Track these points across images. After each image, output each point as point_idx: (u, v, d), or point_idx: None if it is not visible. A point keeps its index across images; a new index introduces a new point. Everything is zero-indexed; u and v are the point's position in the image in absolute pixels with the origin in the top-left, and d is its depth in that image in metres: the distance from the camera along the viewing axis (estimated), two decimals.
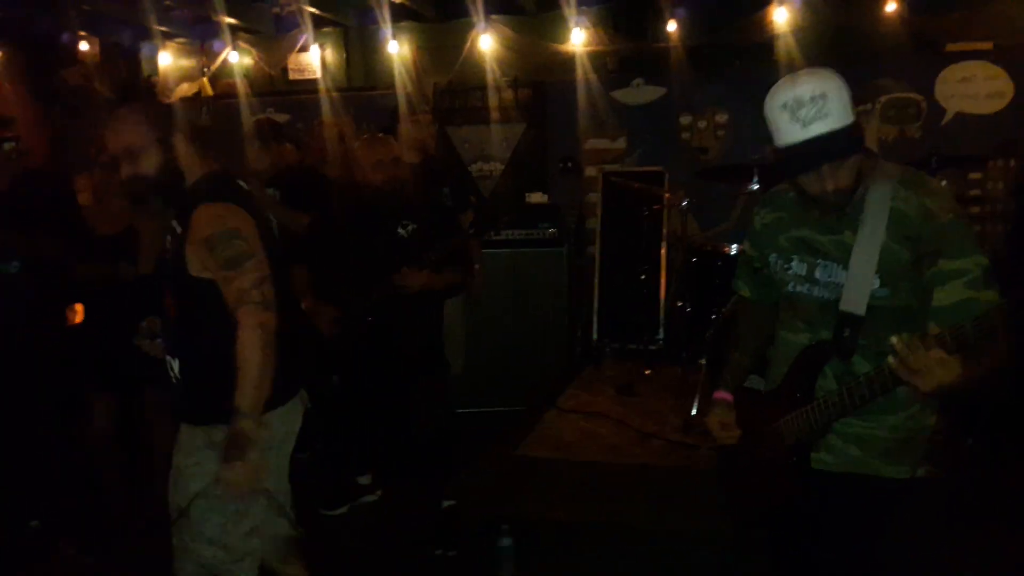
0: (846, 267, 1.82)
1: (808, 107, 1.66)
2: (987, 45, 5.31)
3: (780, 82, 1.73)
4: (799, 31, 5.45)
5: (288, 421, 2.27)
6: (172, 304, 2.21)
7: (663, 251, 5.57)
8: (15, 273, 3.22)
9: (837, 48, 5.35)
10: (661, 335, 5.46)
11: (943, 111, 5.41)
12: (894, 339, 1.55)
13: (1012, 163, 5.24)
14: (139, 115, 2.15)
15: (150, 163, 2.12)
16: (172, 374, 2.25)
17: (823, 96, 1.66)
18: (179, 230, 2.15)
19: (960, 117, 5.40)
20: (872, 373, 1.74)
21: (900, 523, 1.92)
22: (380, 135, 3.41)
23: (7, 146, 3.18)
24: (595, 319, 5.66)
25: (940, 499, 2.98)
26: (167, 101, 6.66)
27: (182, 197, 2.18)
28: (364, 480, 3.83)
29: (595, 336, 5.61)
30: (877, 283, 1.78)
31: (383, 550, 3.46)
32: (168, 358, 2.26)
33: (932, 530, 2.69)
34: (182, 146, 2.16)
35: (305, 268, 3.52)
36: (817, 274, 1.88)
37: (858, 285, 1.79)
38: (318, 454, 4.18)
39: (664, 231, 5.57)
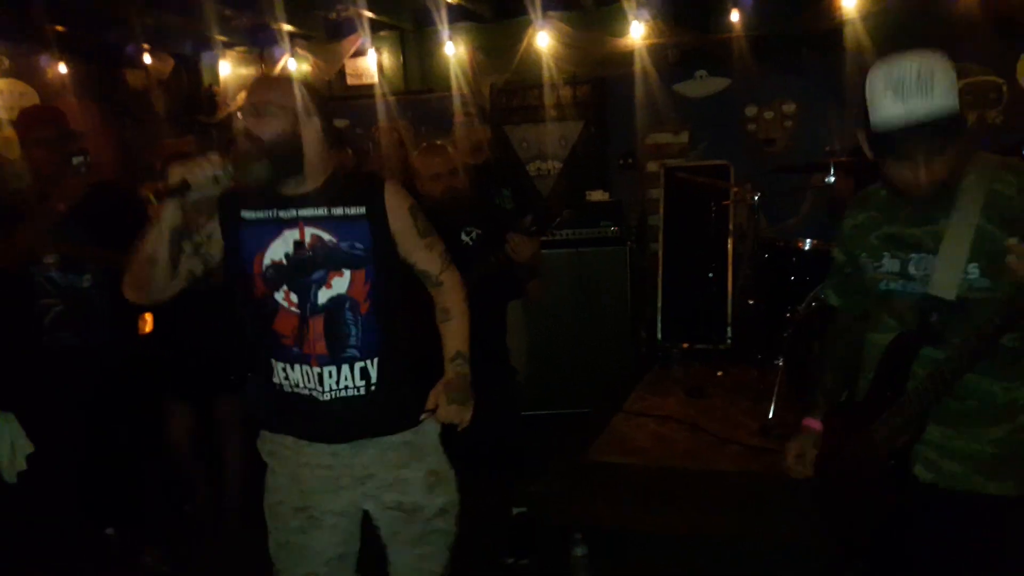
0: None
1: (912, 85, 1.57)
2: None
3: (884, 58, 1.64)
4: (869, 16, 5.23)
5: None
6: (365, 299, 1.98)
7: (729, 247, 5.42)
8: (88, 287, 3.25)
9: (910, 32, 5.11)
10: (729, 335, 5.32)
11: None
12: (1012, 240, 1.47)
13: None
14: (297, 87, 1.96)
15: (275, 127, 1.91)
16: (353, 386, 2.00)
17: (930, 75, 1.57)
18: (362, 211, 1.97)
19: None
20: (961, 341, 1.61)
21: (1009, 544, 1.79)
22: (437, 144, 3.34)
23: (76, 160, 3.21)
24: (659, 319, 5.55)
25: None
26: (229, 110, 6.76)
27: (359, 181, 2.07)
28: None
29: (659, 336, 5.50)
30: (976, 272, 1.67)
31: (453, 558, 3.42)
32: (347, 367, 1.99)
33: None
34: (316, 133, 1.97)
35: None
36: (911, 269, 1.78)
37: (948, 267, 1.69)
38: None
39: (731, 226, 5.42)
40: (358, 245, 1.96)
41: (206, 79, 7.03)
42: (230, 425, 3.66)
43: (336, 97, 6.67)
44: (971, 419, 1.75)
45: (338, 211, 1.96)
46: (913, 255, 1.78)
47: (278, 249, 1.97)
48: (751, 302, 4.64)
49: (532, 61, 6.04)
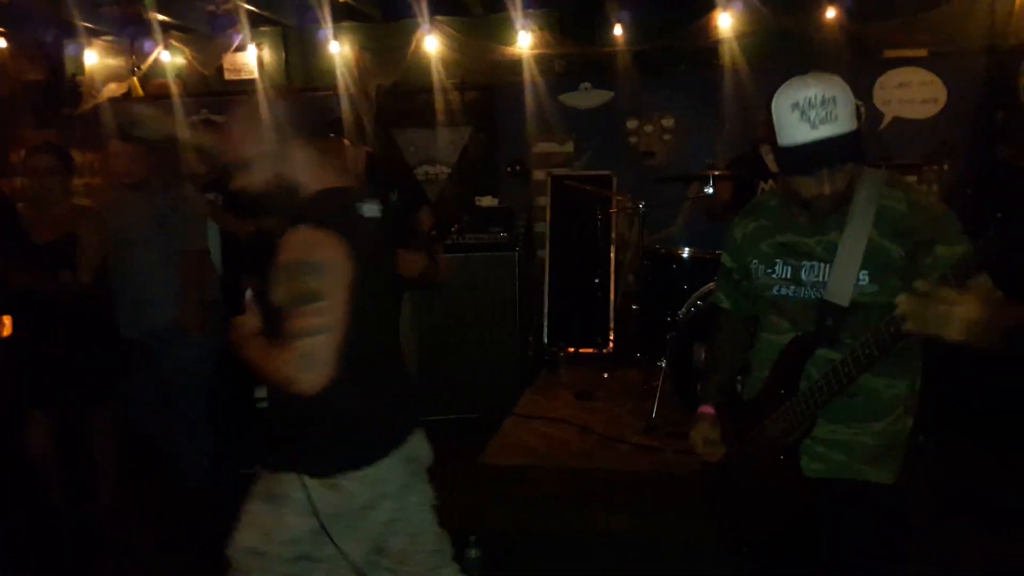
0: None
1: (819, 109, 1.68)
2: (922, 52, 5.50)
3: (789, 82, 1.74)
4: (743, 36, 5.56)
5: (375, 484, 1.91)
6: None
7: (612, 255, 5.58)
8: None
9: (779, 52, 5.47)
10: (612, 338, 5.47)
11: (881, 116, 5.57)
12: (901, 298, 1.53)
13: (946, 166, 5.44)
14: (256, 121, 1.83)
15: (260, 176, 1.83)
16: None
17: (833, 100, 1.68)
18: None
19: (897, 121, 5.57)
20: (858, 345, 1.72)
21: (888, 525, 1.92)
22: (331, 137, 3.26)
23: None
24: (545, 323, 5.64)
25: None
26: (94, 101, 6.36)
27: (293, 213, 1.83)
28: None
29: (546, 340, 5.59)
30: (866, 279, 1.79)
31: None
32: None
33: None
34: (301, 154, 1.85)
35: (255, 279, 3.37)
36: (803, 275, 1.89)
37: (842, 276, 1.80)
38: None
39: (613, 235, 5.59)
40: None
41: (70, 68, 6.59)
42: (103, 434, 3.44)
43: (213, 92, 6.42)
44: (857, 414, 1.86)
45: None
46: (805, 263, 1.89)
47: None
48: (634, 307, 4.80)
49: (421, 65, 6.03)
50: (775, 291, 1.94)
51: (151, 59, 6.35)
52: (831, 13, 5.41)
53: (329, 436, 1.88)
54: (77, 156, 4.13)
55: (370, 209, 1.88)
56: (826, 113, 1.67)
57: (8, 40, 6.04)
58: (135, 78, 6.36)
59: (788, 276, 1.91)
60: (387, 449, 1.93)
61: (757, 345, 2.06)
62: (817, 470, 1.90)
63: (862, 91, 5.52)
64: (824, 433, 1.88)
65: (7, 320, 3.44)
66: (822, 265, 1.85)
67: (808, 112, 1.68)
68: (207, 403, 3.70)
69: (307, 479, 1.84)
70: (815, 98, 1.68)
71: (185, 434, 3.64)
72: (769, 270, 1.95)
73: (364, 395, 1.88)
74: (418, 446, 2.04)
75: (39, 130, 6.05)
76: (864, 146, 1.75)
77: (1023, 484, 3.31)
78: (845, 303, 1.80)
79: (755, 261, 1.99)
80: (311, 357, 1.71)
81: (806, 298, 1.88)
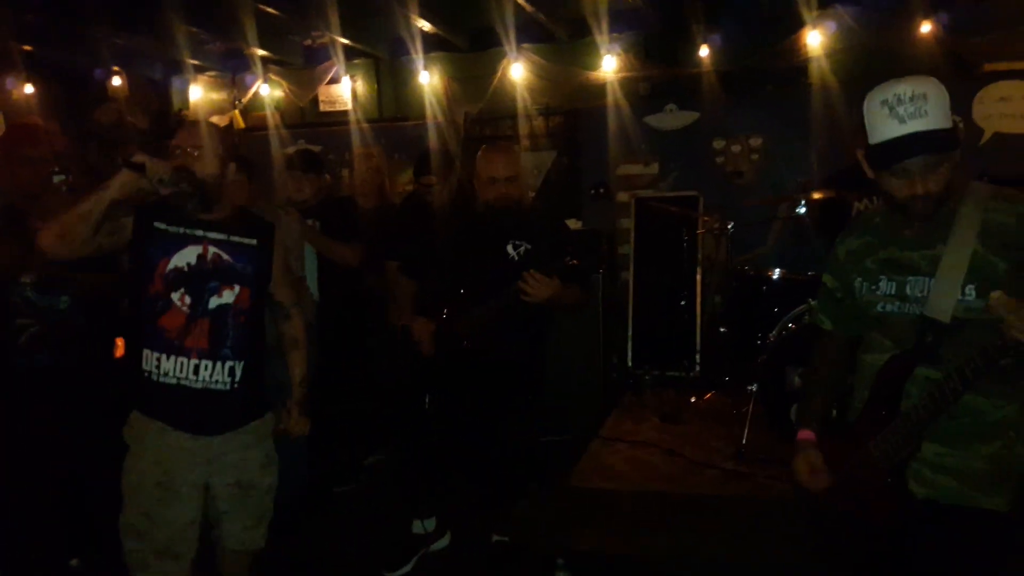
0: None
1: (907, 104, 1.67)
2: None
3: (882, 83, 1.73)
4: (833, 54, 5.45)
5: None
6: (246, 309, 2.44)
7: (699, 277, 5.52)
8: (64, 309, 3.19)
9: (871, 70, 5.32)
10: (698, 362, 5.40)
11: (980, 132, 5.36)
12: (996, 293, 1.57)
13: None
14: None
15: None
16: (222, 381, 2.40)
17: (924, 96, 1.67)
18: (254, 242, 2.47)
19: (998, 137, 5.35)
20: (960, 362, 1.69)
21: (1001, 557, 1.85)
22: (503, 144, 3.31)
23: (57, 179, 3.16)
24: (629, 345, 5.61)
25: None
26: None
27: (256, 219, 2.59)
28: (427, 525, 3.51)
29: (630, 363, 5.55)
30: (972, 294, 1.74)
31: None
32: (220, 364, 2.40)
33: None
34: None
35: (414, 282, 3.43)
36: (908, 290, 1.85)
37: (943, 291, 1.77)
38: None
39: (699, 256, 5.53)
40: (249, 268, 2.46)
41: (176, 103, 6.98)
42: None
43: (309, 123, 6.69)
44: (964, 436, 1.81)
45: (235, 239, 2.44)
46: (910, 278, 1.85)
47: (182, 259, 2.37)
48: (722, 330, 4.73)
49: (506, 92, 6.14)
50: (880, 308, 1.91)
51: (251, 92, 6.66)
52: (926, 27, 5.24)
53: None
54: None
55: None
56: (915, 108, 1.66)
57: (122, 78, 6.44)
58: (236, 111, 6.68)
59: (893, 292, 1.88)
60: None
61: (857, 368, 2.02)
62: (925, 494, 1.85)
63: (961, 107, 5.32)
64: (930, 456, 1.83)
65: (120, 342, 3.65)
66: (926, 280, 1.81)
67: (897, 108, 1.67)
68: None
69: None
70: (904, 94, 1.67)
71: (284, 451, 3.76)
72: (873, 287, 1.92)
73: None
74: None
75: None
76: (960, 145, 1.73)
77: None
78: (946, 319, 1.75)
79: (859, 278, 1.96)
80: None
81: (911, 314, 1.84)
